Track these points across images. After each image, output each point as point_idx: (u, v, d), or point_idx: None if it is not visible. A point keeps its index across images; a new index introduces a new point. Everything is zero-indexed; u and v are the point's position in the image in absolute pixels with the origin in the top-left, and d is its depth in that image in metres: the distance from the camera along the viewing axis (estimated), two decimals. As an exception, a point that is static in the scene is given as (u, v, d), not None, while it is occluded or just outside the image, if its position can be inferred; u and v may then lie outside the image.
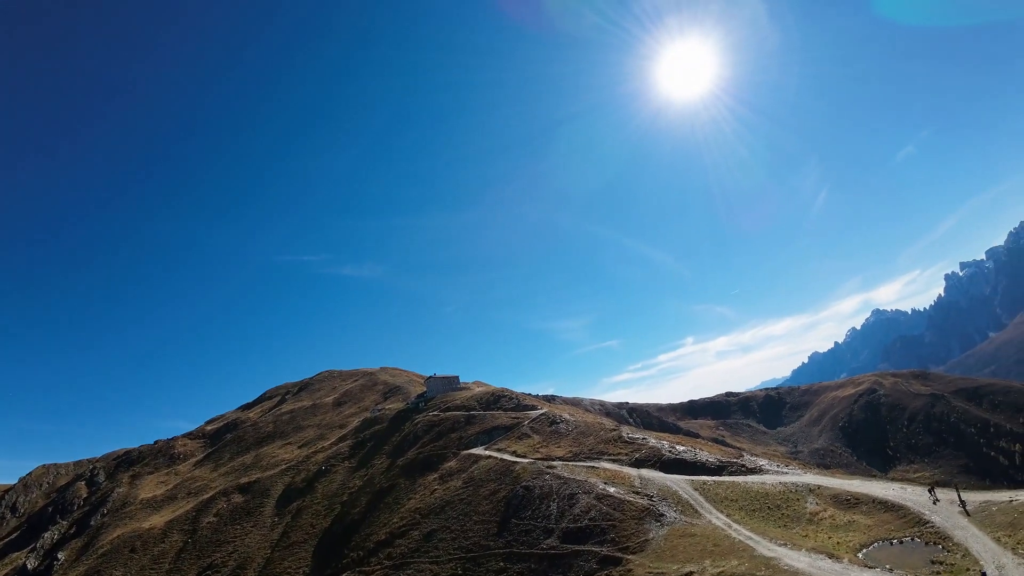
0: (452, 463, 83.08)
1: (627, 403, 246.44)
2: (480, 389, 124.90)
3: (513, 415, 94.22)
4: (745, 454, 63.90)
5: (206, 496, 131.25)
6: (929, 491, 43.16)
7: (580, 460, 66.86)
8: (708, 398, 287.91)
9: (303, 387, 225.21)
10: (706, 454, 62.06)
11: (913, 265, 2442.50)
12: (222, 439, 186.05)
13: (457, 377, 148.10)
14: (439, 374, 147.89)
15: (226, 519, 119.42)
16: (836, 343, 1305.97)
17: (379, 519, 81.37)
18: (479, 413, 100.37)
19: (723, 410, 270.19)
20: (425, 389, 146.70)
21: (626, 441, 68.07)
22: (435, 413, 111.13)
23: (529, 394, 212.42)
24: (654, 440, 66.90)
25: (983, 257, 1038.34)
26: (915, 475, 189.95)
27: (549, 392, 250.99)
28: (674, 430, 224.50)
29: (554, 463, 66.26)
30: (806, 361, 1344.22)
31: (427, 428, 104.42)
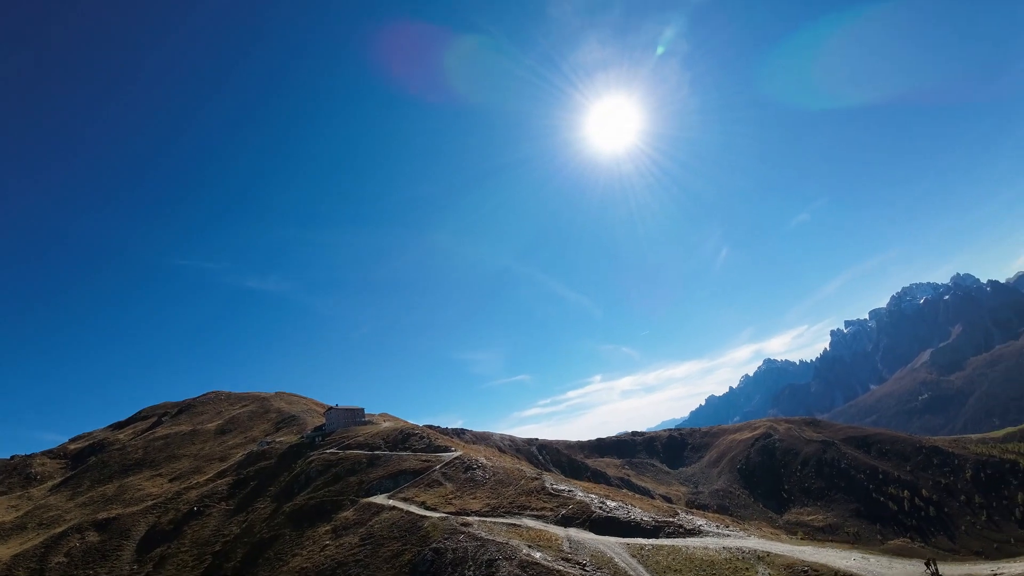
0: (349, 513, 72.27)
1: (537, 439, 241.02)
2: (387, 424, 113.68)
3: (423, 457, 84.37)
4: (680, 512, 58.73)
5: (58, 530, 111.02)
6: (927, 565, 38.65)
7: (499, 515, 58.81)
8: (615, 437, 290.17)
9: (184, 408, 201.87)
10: (639, 511, 56.04)
11: (801, 320, 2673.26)
12: (85, 461, 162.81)
13: (362, 409, 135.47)
14: (342, 405, 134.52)
15: (78, 561, 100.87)
16: (731, 387, 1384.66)
17: (257, 578, 69.23)
18: (384, 453, 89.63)
19: (629, 449, 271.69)
20: (324, 421, 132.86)
21: (551, 494, 60.91)
22: (333, 451, 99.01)
23: (438, 427, 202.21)
24: (581, 493, 60.24)
25: (866, 317, 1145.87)
26: (809, 518, 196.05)
27: (458, 424, 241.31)
28: (583, 469, 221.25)
29: (470, 519, 57.79)
30: (703, 403, 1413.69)
31: (322, 468, 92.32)
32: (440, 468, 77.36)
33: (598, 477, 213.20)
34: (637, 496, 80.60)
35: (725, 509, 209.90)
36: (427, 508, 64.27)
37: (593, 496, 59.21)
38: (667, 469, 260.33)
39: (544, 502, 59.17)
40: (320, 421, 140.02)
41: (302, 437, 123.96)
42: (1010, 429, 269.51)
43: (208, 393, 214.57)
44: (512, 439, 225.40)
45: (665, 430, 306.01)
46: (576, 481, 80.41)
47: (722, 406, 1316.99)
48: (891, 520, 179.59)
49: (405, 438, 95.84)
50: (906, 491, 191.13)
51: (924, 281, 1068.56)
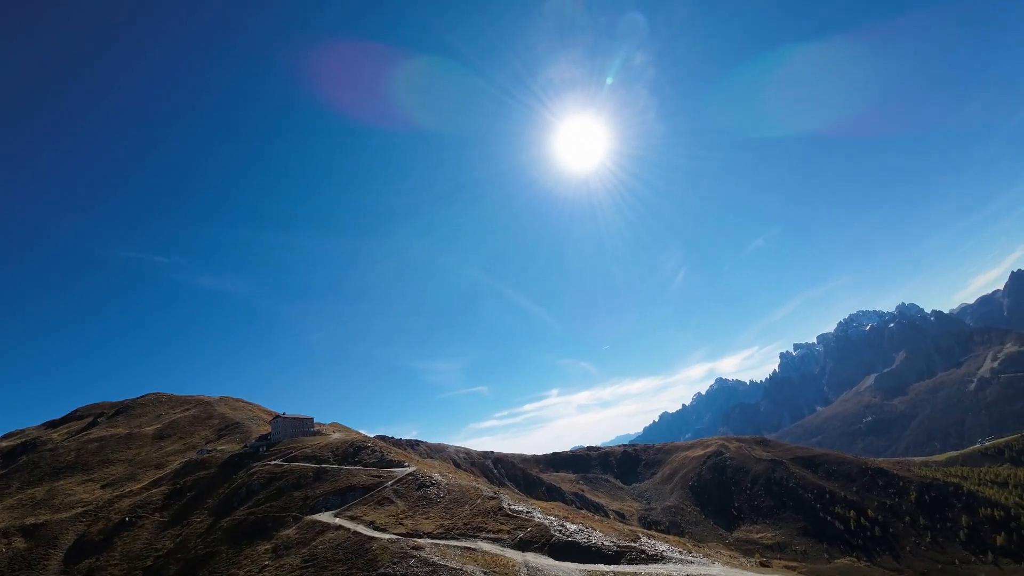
0: (291, 531, 67.35)
1: (492, 453, 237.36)
2: (337, 436, 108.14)
3: (374, 473, 79.73)
4: (641, 536, 56.24)
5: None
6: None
7: (454, 538, 55.15)
8: (570, 452, 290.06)
9: (122, 410, 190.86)
10: (600, 535, 53.29)
11: (753, 342, 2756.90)
12: (16, 461, 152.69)
13: (311, 419, 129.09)
14: (289, 413, 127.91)
15: (3, 568, 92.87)
16: (684, 405, 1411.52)
17: (188, 599, 63.78)
18: (333, 467, 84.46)
19: (584, 464, 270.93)
20: (270, 430, 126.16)
21: (508, 515, 57.64)
22: (278, 462, 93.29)
23: (392, 438, 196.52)
24: (540, 515, 57.17)
25: (815, 341, 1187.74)
26: (758, 535, 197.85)
27: (413, 436, 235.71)
28: (538, 483, 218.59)
29: (421, 542, 53.98)
30: (657, 420, 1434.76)
31: (265, 481, 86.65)
32: (392, 484, 73.02)
33: (553, 492, 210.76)
34: (597, 518, 78.04)
35: (677, 526, 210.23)
36: (376, 528, 60.09)
37: (552, 518, 56.22)
38: (621, 485, 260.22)
39: (501, 524, 55.87)
40: (266, 429, 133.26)
41: (245, 446, 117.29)
42: (952, 453, 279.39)
43: (148, 395, 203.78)
44: (467, 452, 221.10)
45: (619, 446, 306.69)
46: (534, 500, 77.35)
47: (675, 423, 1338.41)
48: (837, 539, 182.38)
49: (355, 451, 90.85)
50: (852, 511, 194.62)
51: (871, 309, 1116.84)
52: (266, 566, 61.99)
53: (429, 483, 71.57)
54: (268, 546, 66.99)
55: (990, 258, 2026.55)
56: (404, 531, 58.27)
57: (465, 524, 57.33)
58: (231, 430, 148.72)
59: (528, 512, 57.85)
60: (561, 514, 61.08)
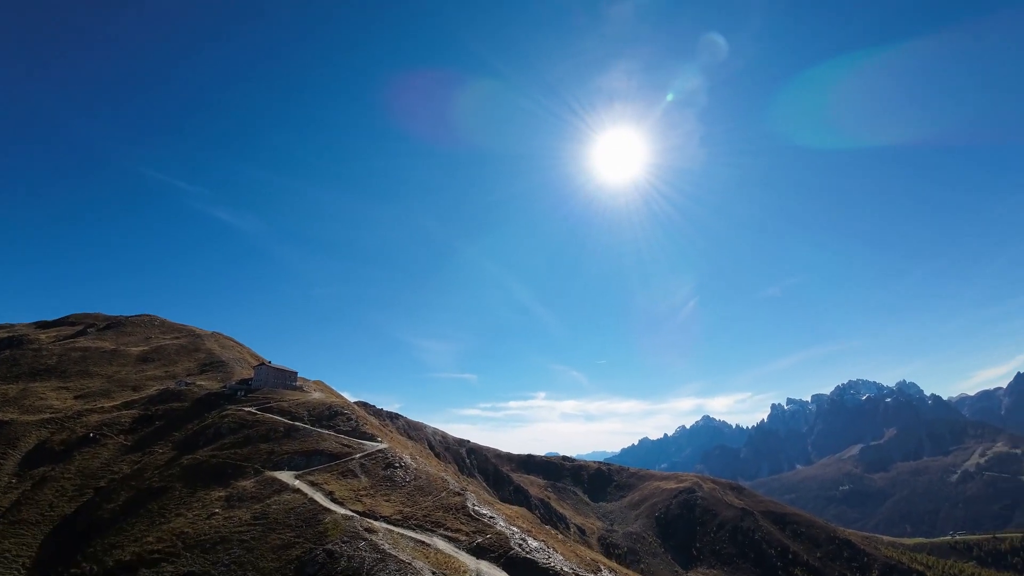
0: (249, 483, 65.55)
1: (468, 442, 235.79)
2: (317, 395, 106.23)
3: (345, 441, 77.74)
4: (603, 568, 54.01)
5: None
6: None
7: (410, 527, 53.04)
8: (545, 457, 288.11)
9: (113, 324, 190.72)
10: (561, 558, 51.04)
11: (748, 387, 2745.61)
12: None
13: (295, 373, 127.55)
14: (275, 363, 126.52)
15: None
16: (666, 434, 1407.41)
17: (133, 529, 61.84)
18: (305, 427, 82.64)
19: (556, 472, 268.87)
20: (252, 375, 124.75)
21: (471, 515, 55.42)
22: (252, 410, 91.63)
23: (373, 406, 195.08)
24: (503, 523, 54.89)
25: (808, 399, 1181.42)
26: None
27: (395, 408, 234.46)
28: (507, 482, 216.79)
29: (376, 525, 51.92)
30: (636, 443, 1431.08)
31: (235, 426, 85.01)
32: (360, 458, 70.97)
33: (519, 493, 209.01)
34: (560, 537, 75.77)
35: (635, 553, 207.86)
36: (334, 500, 58.12)
37: (515, 529, 53.97)
38: (588, 501, 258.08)
39: (461, 523, 53.69)
40: (249, 374, 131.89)
41: (224, 387, 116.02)
42: (921, 540, 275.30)
43: (142, 315, 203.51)
44: (444, 436, 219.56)
45: (595, 462, 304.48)
46: (500, 504, 75.14)
47: (653, 450, 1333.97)
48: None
49: (331, 415, 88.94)
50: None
51: (870, 379, 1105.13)
52: (215, 514, 60.24)
53: (397, 464, 69.51)
54: (222, 493, 65.27)
55: (999, 355, 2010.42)
56: (361, 509, 56.25)
57: (425, 516, 55.21)
58: (215, 367, 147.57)
59: (491, 517, 55.65)
60: (525, 526, 58.85)
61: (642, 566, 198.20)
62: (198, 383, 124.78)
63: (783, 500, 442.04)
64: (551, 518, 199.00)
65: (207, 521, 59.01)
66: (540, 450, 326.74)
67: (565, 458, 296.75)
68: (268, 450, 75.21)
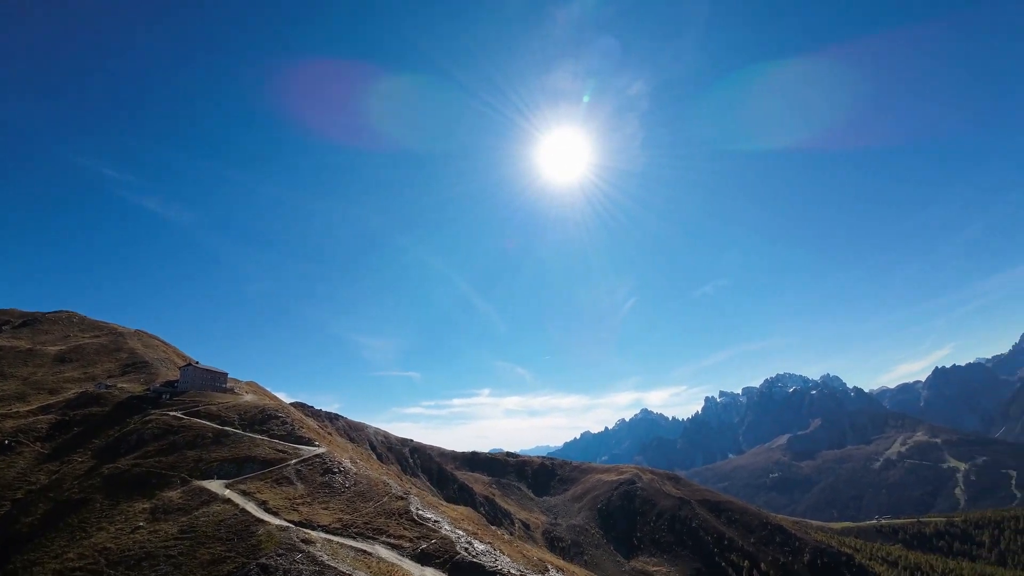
0: (175, 494, 61.18)
1: (411, 441, 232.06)
2: (249, 398, 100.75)
3: (279, 447, 73.70)
4: (551, 568, 53.09)
5: None
6: None
7: (350, 536, 50.46)
8: (489, 454, 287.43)
9: (29, 322, 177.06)
10: (508, 561, 49.77)
11: (683, 381, 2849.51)
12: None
13: (225, 374, 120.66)
14: (203, 364, 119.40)
15: None
16: (606, 428, 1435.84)
17: (53, 545, 56.71)
18: (236, 432, 77.93)
19: (500, 468, 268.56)
20: (178, 377, 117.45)
21: (414, 520, 53.33)
22: (177, 415, 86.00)
23: (311, 407, 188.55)
24: (448, 527, 53.10)
25: (740, 392, 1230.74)
26: (654, 568, 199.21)
27: (335, 408, 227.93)
28: (451, 480, 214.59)
29: (314, 535, 49.13)
30: (578, 437, 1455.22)
31: (160, 432, 79.46)
32: (295, 464, 67.35)
33: (464, 492, 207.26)
34: (507, 537, 74.41)
35: (579, 545, 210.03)
36: (267, 510, 54.74)
37: (461, 532, 52.29)
38: (532, 496, 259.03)
39: (405, 529, 51.55)
40: (174, 375, 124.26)
41: (148, 389, 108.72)
42: (848, 524, 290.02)
43: (60, 312, 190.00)
44: (387, 436, 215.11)
45: (538, 457, 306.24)
46: (444, 506, 73.17)
47: (595, 443, 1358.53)
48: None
49: (264, 419, 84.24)
50: (747, 561, 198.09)
51: (796, 373, 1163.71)
52: (139, 527, 55.90)
53: (336, 469, 66.35)
54: (147, 505, 60.72)
55: (918, 351, 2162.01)
56: (297, 519, 53.21)
57: (366, 523, 52.68)
58: (138, 368, 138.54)
59: (436, 521, 53.73)
60: (471, 528, 57.22)
61: (585, 558, 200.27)
62: (120, 385, 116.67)
63: (717, 488, 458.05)
64: (496, 515, 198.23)
65: (131, 535, 54.68)
66: (485, 447, 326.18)
67: (509, 454, 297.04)
68: (195, 458, 70.55)
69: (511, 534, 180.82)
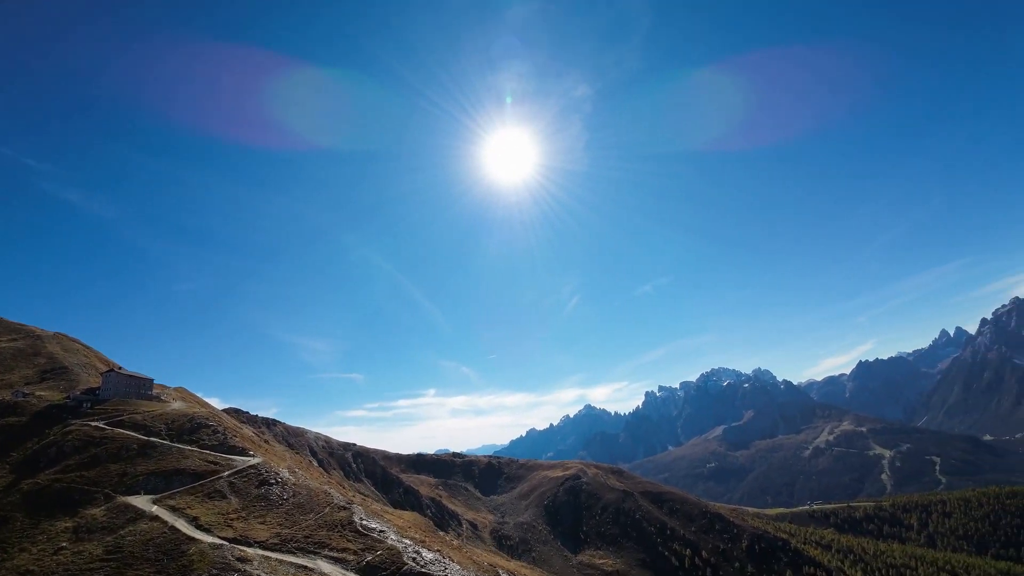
0: (100, 512, 56.99)
1: (354, 445, 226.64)
2: (178, 406, 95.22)
3: (211, 458, 69.80)
4: (501, 573, 52.33)
5: None
6: None
7: (290, 551, 48.19)
8: (435, 455, 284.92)
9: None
10: (457, 568, 48.70)
11: (623, 377, 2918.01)
12: None
13: (151, 380, 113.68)
14: (128, 370, 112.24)
15: None
16: (552, 424, 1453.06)
17: (-36, 571, 51.94)
18: (163, 443, 73.31)
19: (447, 469, 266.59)
20: (100, 385, 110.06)
21: (358, 531, 51.42)
22: (100, 424, 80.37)
23: (247, 412, 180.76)
24: (395, 536, 51.49)
25: (678, 386, 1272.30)
26: (600, 561, 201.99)
27: (272, 413, 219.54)
28: (396, 484, 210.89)
29: (250, 552, 46.64)
30: (524, 435, 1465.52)
31: (81, 445, 74.02)
32: (228, 475, 63.89)
33: (410, 495, 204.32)
34: (456, 543, 73.10)
35: (526, 543, 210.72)
36: (199, 527, 51.66)
37: (408, 541, 50.81)
38: (479, 495, 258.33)
39: (348, 541, 49.63)
40: (97, 382, 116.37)
41: (68, 398, 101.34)
42: (782, 510, 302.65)
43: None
44: (328, 441, 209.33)
45: (485, 456, 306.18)
46: (389, 515, 71.18)
47: (540, 440, 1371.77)
48: (672, 574, 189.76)
49: (194, 428, 79.57)
50: (688, 549, 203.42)
51: (730, 367, 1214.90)
52: (62, 548, 51.67)
53: (273, 480, 63.36)
54: (70, 524, 56.24)
55: (842, 345, 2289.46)
56: (232, 535, 50.43)
57: (306, 536, 50.43)
58: (57, 375, 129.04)
59: (382, 531, 52.00)
60: (418, 536, 55.74)
61: (533, 555, 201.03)
62: (37, 393, 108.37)
63: (658, 479, 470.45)
64: (443, 517, 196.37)
65: (54, 557, 50.49)
66: (431, 448, 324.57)
67: (456, 454, 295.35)
68: (120, 471, 66.04)
69: (459, 535, 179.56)
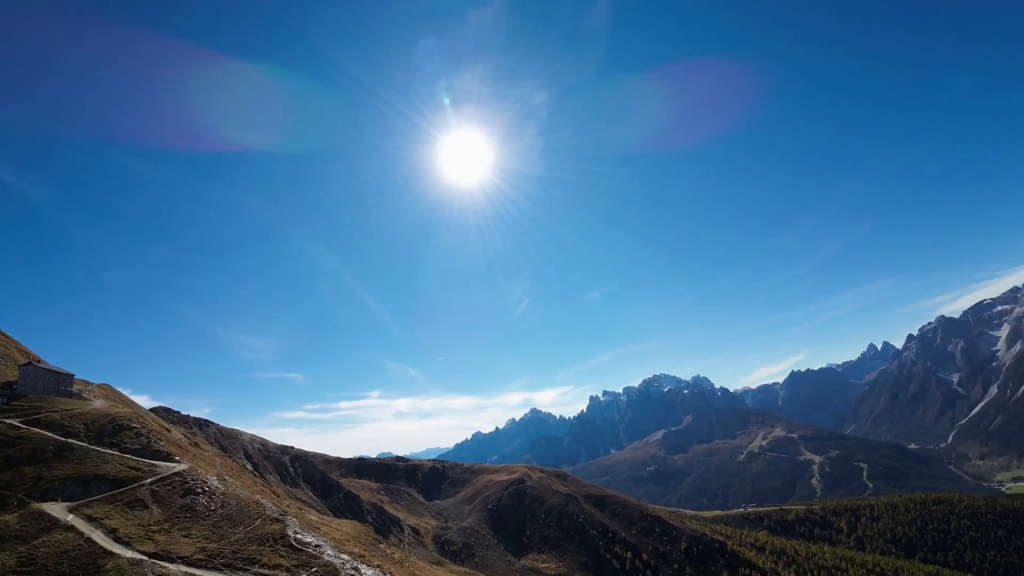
0: (12, 519, 51.73)
1: (292, 448, 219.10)
2: (100, 404, 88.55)
3: (133, 463, 64.78)
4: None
5: None
6: None
7: (217, 567, 44.80)
8: (377, 459, 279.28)
9: None
10: (394, 585, 46.50)
11: (569, 381, 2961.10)
12: None
13: (71, 376, 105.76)
14: (46, 363, 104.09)
15: None
16: (497, 428, 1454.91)
17: None
18: (82, 445, 67.70)
19: (390, 474, 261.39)
20: (17, 380, 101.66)
21: (292, 546, 48.40)
22: (14, 422, 73.66)
23: (178, 412, 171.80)
24: (332, 551, 48.71)
25: (621, 391, 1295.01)
26: (543, 565, 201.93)
27: (205, 413, 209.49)
28: (336, 489, 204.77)
29: (173, 568, 43.09)
30: (469, 438, 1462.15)
31: (-12, 447, 67.76)
32: (151, 483, 59.34)
33: (350, 500, 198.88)
34: (397, 556, 70.12)
35: (470, 548, 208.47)
36: (118, 539, 47.54)
37: (345, 556, 48.16)
38: (422, 500, 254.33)
39: (281, 557, 46.60)
40: (14, 374, 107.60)
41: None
42: (718, 512, 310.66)
43: None
44: (264, 444, 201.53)
45: (429, 460, 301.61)
46: (327, 526, 67.77)
47: (486, 443, 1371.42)
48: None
49: (116, 430, 73.87)
50: (629, 552, 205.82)
51: (671, 374, 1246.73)
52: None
53: (200, 489, 59.21)
54: (-27, 532, 51.00)
55: (776, 355, 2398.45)
56: (153, 549, 46.62)
57: (235, 552, 47.06)
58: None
59: (317, 545, 49.13)
60: (357, 550, 52.98)
61: (476, 560, 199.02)
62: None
63: (600, 482, 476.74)
64: (385, 523, 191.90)
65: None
66: (373, 451, 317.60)
67: (399, 458, 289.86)
68: (35, 475, 60.46)
69: (401, 542, 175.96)
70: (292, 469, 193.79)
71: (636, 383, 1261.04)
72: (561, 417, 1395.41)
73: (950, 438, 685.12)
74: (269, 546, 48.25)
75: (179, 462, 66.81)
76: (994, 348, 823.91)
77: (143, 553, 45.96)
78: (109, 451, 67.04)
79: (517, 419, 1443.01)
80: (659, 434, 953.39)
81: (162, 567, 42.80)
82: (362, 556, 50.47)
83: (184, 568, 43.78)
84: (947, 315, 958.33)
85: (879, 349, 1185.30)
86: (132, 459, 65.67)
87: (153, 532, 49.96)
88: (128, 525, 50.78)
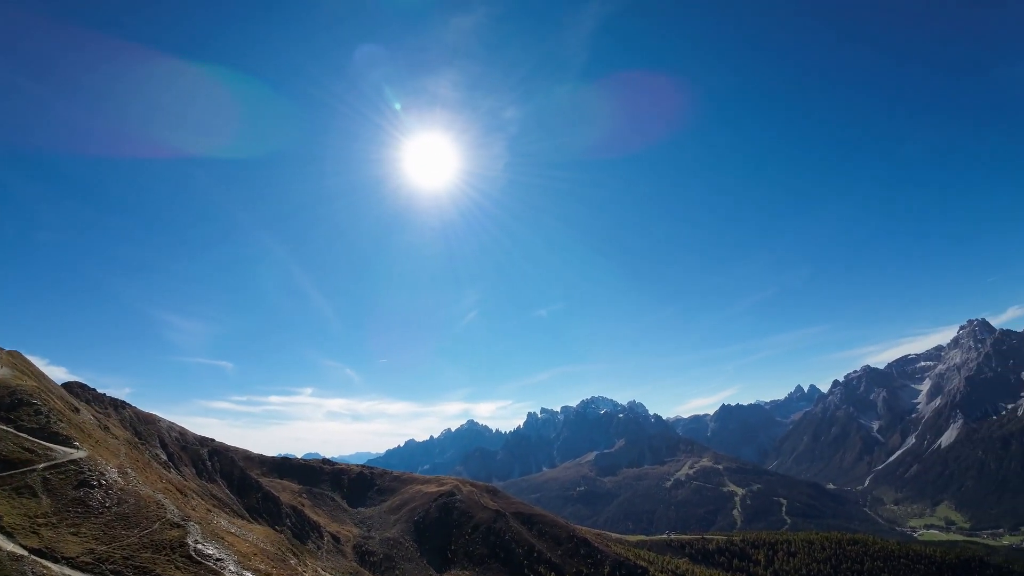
0: None
1: (213, 441, 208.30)
2: (2, 373, 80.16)
3: (27, 444, 58.22)
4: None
5: None
6: None
7: (103, 574, 40.33)
8: (303, 460, 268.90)
9: None
10: (304, 602, 42.94)
11: (509, 396, 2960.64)
12: None
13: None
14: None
15: None
16: (432, 436, 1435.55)
17: None
18: (-32, 423, 61.14)
19: (314, 476, 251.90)
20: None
21: (191, 557, 43.97)
22: None
23: (94, 390, 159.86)
24: (234, 567, 44.44)
25: (558, 410, 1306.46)
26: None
27: (124, 393, 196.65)
28: (254, 488, 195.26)
29: (55, 570, 38.26)
30: (402, 444, 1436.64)
31: None
32: (44, 468, 53.30)
33: (269, 501, 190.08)
34: (309, 570, 65.80)
35: (391, 559, 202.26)
36: (0, 528, 42.29)
37: (248, 574, 44.32)
38: (346, 507, 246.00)
39: (176, 569, 42.24)
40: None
41: None
42: (642, 537, 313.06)
43: None
44: (183, 433, 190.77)
45: (357, 465, 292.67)
46: (235, 535, 62.89)
47: (418, 452, 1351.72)
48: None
49: (13, 404, 66.21)
50: (553, 573, 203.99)
51: (608, 397, 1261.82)
52: None
53: (96, 482, 53.56)
54: None
55: (710, 387, 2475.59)
56: (37, 545, 41.52)
57: (125, 558, 42.41)
58: None
59: (219, 559, 44.92)
60: (264, 568, 48.81)
61: (397, 572, 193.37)
62: None
63: (531, 499, 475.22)
64: (304, 528, 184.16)
65: None
66: (300, 451, 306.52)
67: (326, 461, 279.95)
68: (-98, 455, 53.66)
69: (319, 549, 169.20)
70: (210, 463, 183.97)
71: (574, 403, 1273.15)
72: (497, 431, 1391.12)
73: (867, 481, 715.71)
74: (165, 555, 43.81)
75: (77, 448, 60.56)
76: (915, 400, 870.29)
77: (26, 548, 40.82)
78: (4, 427, 60.16)
79: (453, 429, 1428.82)
80: (591, 455, 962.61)
81: (43, 567, 38.03)
82: (267, 569, 46.57)
83: (67, 571, 39.09)
84: (872, 365, 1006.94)
85: (805, 391, 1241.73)
86: (28, 439, 58.97)
87: (40, 525, 44.65)
88: (13, 513, 45.23)
